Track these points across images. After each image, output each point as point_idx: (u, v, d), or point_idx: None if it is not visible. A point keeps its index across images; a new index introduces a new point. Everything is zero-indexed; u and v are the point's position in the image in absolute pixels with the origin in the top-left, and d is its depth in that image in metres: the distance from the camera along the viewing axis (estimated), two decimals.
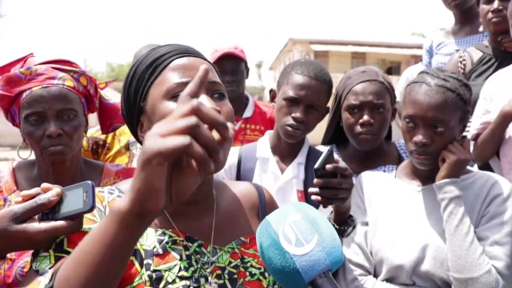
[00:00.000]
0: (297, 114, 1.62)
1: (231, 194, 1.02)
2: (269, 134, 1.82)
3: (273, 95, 1.79)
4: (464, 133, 1.50)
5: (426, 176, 1.46)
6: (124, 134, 2.13)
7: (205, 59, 0.94)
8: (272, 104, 1.78)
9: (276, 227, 0.68)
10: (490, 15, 2.26)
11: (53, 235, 0.80)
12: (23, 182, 1.40)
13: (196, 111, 0.58)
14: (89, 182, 0.80)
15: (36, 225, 0.80)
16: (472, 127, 2.06)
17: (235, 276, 0.90)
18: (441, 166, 1.38)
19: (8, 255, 1.27)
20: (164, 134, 0.57)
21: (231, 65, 2.57)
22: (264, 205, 1.04)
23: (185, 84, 0.84)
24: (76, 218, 0.80)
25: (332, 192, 1.20)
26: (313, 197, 1.22)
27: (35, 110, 1.30)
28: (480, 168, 2.06)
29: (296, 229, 0.66)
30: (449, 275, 1.31)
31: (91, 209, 0.78)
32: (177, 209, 0.90)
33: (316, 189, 1.21)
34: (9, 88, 1.32)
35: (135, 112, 0.92)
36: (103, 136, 2.10)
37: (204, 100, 0.79)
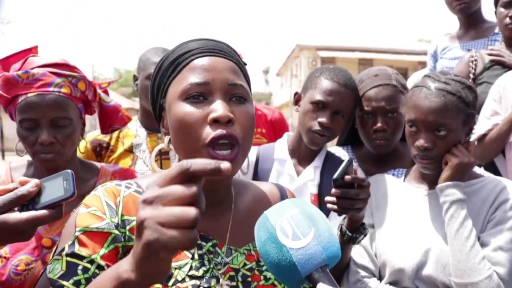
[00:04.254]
0: (323, 119, 1.60)
1: (252, 194, 1.00)
2: (287, 136, 1.83)
3: (297, 98, 1.78)
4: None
5: (433, 181, 1.44)
6: (128, 136, 2.13)
7: (233, 58, 0.89)
8: (296, 108, 1.77)
9: (273, 221, 0.68)
10: (507, 20, 2.24)
11: (35, 224, 0.81)
12: None
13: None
14: (69, 170, 0.83)
15: (16, 215, 0.81)
16: (479, 128, 2.04)
17: (249, 279, 0.88)
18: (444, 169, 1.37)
19: (3, 253, 1.28)
20: (164, 224, 0.54)
21: None
22: None
23: (199, 85, 0.83)
24: (56, 207, 0.82)
25: (349, 203, 1.21)
26: (329, 206, 1.23)
27: (29, 117, 1.30)
28: (486, 168, 2.04)
29: (293, 223, 0.67)
30: (451, 280, 1.28)
31: (72, 195, 0.81)
32: None
33: (333, 199, 1.22)
34: (6, 90, 1.31)
35: (157, 107, 0.92)
36: (106, 138, 2.09)
37: (218, 106, 0.80)
